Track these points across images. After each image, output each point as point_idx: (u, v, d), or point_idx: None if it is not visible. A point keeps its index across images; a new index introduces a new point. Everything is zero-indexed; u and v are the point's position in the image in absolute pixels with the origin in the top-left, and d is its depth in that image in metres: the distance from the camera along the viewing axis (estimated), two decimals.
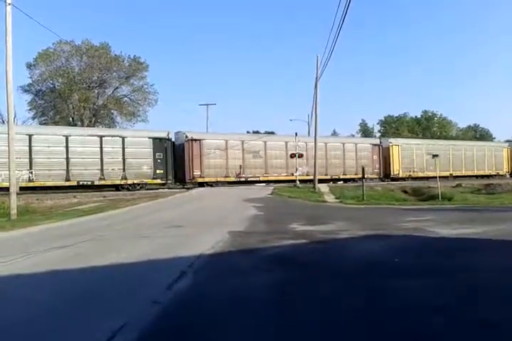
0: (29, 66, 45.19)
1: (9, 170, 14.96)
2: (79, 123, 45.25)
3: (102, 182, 27.85)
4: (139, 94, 49.20)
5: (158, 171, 29.50)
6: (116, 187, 28.39)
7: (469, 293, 5.03)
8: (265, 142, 35.23)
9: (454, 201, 18.52)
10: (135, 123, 48.89)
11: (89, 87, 46.89)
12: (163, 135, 30.22)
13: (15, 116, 21.81)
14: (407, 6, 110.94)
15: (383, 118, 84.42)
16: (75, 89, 44.98)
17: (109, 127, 46.09)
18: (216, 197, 23.37)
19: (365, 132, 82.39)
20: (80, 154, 26.86)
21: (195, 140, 31.11)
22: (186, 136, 31.15)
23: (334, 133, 73.87)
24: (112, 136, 28.69)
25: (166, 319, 4.37)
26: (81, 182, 26.90)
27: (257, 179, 34.33)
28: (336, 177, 37.19)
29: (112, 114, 49.94)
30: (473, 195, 22.34)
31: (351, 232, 10.06)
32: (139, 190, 28.32)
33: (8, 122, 15.94)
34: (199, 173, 31.20)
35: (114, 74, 48.22)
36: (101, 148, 27.58)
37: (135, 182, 28.99)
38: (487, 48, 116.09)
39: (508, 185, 27.43)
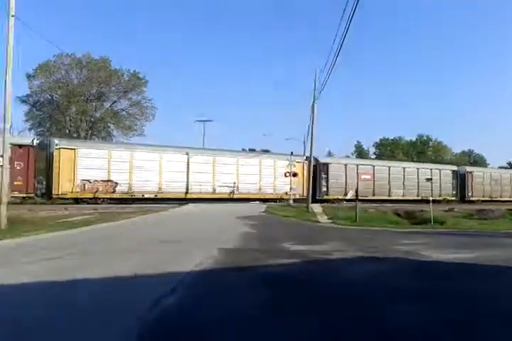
0: (28, 77, 45.46)
1: (2, 180, 14.87)
2: (75, 135, 45.25)
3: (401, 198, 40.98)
4: (136, 108, 49.46)
5: (453, 192, 44.80)
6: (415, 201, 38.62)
7: (458, 321, 4.97)
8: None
9: (447, 225, 18.52)
10: (131, 137, 49.04)
11: (87, 99, 47.14)
12: (454, 168, 46.65)
13: (11, 126, 21.70)
14: (405, 31, 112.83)
15: (378, 141, 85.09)
16: (73, 102, 45.19)
17: (106, 140, 46.15)
18: (208, 213, 23.26)
19: (361, 154, 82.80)
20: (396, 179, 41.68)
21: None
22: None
23: (329, 154, 74.07)
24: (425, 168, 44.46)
25: (150, 338, 4.28)
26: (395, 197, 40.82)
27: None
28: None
29: (109, 127, 50.12)
30: (466, 220, 22.35)
31: (344, 253, 9.99)
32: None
33: (3, 132, 15.90)
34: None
35: (113, 88, 48.64)
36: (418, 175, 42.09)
37: (438, 198, 39.90)
38: (484, 77, 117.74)
39: (500, 211, 27.48)
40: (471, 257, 9.55)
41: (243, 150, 48.98)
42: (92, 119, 47.91)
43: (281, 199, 33.99)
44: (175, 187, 31.37)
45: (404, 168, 42.49)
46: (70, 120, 47.13)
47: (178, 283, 6.42)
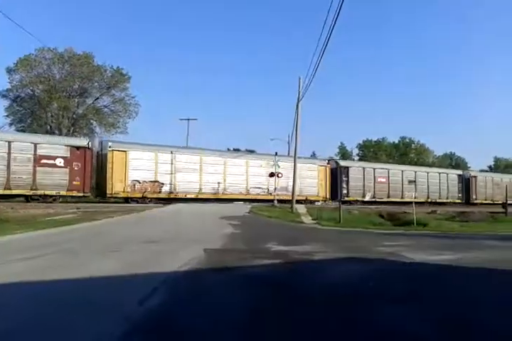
0: (9, 71, 44.52)
1: None
2: (56, 131, 44.53)
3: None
4: (119, 105, 48.82)
5: (459, 195, 47.61)
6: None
7: (446, 321, 4.99)
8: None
9: (429, 227, 18.68)
10: (114, 134, 48.42)
11: (69, 95, 46.34)
12: (460, 172, 49.37)
13: None
14: (390, 30, 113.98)
15: (362, 142, 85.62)
16: (55, 97, 44.34)
17: (88, 137, 45.50)
18: (193, 213, 23.12)
19: (344, 155, 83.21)
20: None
21: None
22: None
23: (313, 155, 74.27)
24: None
25: (135, 336, 4.24)
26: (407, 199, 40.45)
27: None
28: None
29: (91, 124, 49.40)
30: (448, 223, 22.59)
31: (327, 254, 10.00)
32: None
33: None
34: None
35: (96, 84, 47.85)
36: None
37: (445, 201, 45.43)
38: (466, 82, 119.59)
39: (482, 214, 27.88)
40: (454, 259, 9.62)
41: (228, 149, 48.75)
42: (74, 116, 47.07)
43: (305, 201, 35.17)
44: (214, 188, 33.26)
45: (415, 172, 45.15)
46: (52, 116, 46.22)
47: (161, 284, 6.36)
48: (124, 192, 29.39)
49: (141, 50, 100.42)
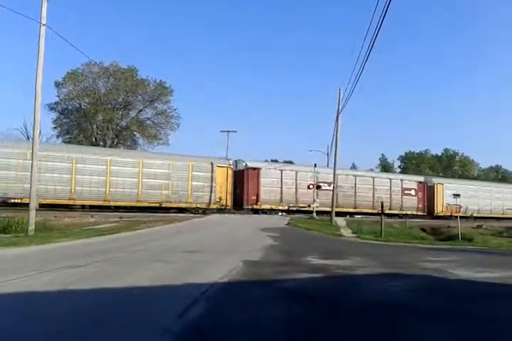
0: (57, 85, 46.27)
1: (30, 186, 15.12)
2: (101, 143, 45.89)
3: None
4: (162, 117, 49.92)
5: None
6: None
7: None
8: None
9: (475, 243, 18.08)
10: (156, 145, 49.53)
11: (113, 108, 47.74)
12: None
13: (40, 133, 22.31)
14: (434, 40, 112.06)
15: (404, 154, 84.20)
16: (100, 110, 45.82)
17: (131, 148, 46.72)
18: (232, 224, 23.21)
19: (385, 167, 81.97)
20: None
21: None
22: None
23: (353, 167, 73.44)
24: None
25: None
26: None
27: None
28: None
29: (134, 135, 50.71)
30: (494, 238, 21.80)
31: (368, 269, 9.80)
32: None
33: (33, 139, 16.22)
34: None
35: (139, 97, 49.13)
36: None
37: None
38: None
39: None
40: (502, 277, 9.24)
41: (266, 161, 48.62)
42: (118, 127, 48.49)
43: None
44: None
45: None
46: (97, 128, 47.72)
47: (201, 295, 6.37)
48: (442, 211, 42.50)
49: (183, 64, 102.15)
